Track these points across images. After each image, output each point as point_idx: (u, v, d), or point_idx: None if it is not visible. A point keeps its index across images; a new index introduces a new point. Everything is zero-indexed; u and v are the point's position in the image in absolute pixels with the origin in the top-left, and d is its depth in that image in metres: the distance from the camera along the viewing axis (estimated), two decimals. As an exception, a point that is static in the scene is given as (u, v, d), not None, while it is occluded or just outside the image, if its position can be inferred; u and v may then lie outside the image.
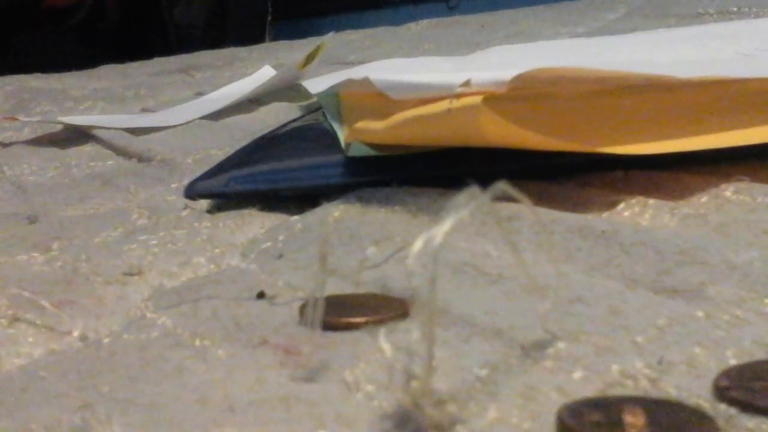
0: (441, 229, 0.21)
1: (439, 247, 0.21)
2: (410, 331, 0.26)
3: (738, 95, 0.38)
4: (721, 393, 0.22)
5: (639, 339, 0.25)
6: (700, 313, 0.26)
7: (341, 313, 0.28)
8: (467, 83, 0.35)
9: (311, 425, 0.22)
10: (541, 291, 0.25)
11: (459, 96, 0.35)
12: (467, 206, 0.21)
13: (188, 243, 0.38)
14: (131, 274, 0.35)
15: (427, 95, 0.38)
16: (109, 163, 0.56)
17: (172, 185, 0.48)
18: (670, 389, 0.22)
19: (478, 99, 0.34)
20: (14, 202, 0.48)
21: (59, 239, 0.40)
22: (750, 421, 0.21)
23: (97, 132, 0.64)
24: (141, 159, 0.55)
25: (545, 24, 0.96)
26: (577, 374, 0.23)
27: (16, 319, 0.31)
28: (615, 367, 0.23)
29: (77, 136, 0.65)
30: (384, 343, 0.22)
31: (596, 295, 0.28)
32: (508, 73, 0.35)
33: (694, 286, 0.28)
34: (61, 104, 0.80)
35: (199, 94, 0.78)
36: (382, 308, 0.29)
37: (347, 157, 0.42)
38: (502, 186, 0.22)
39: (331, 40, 0.77)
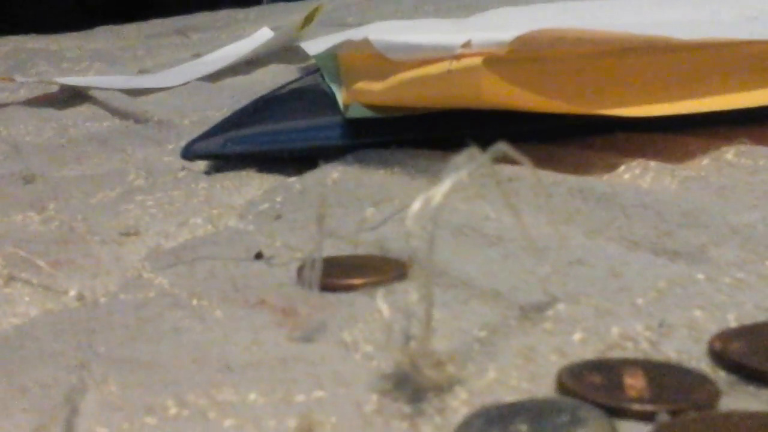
0: (439, 190, 0.21)
1: (437, 207, 0.21)
2: (408, 292, 0.26)
3: (740, 57, 0.37)
4: (718, 354, 0.22)
5: (639, 301, 0.25)
6: (701, 276, 0.26)
7: (339, 275, 0.28)
8: (467, 44, 0.35)
9: (309, 385, 0.22)
10: (541, 253, 0.25)
11: (459, 57, 0.35)
12: (466, 167, 0.21)
13: (185, 204, 0.38)
14: (128, 235, 0.35)
15: (427, 56, 0.37)
16: (106, 124, 0.56)
17: (169, 146, 0.48)
18: (671, 352, 0.22)
19: (478, 60, 0.34)
20: (10, 162, 0.48)
21: (55, 199, 0.40)
22: (751, 385, 0.21)
23: (93, 93, 0.63)
24: (138, 120, 0.55)
25: (545, -13, 0.95)
26: (577, 336, 0.23)
27: (11, 279, 0.31)
28: (615, 330, 0.23)
29: (74, 96, 0.64)
30: (382, 303, 0.21)
31: (596, 257, 0.28)
32: (508, 35, 0.34)
33: (695, 248, 0.27)
34: (58, 65, 0.79)
35: (197, 55, 0.77)
36: (381, 270, 0.29)
37: (346, 118, 0.42)
38: (502, 147, 0.22)
39: (329, 2, 0.77)
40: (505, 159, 0.22)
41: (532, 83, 0.36)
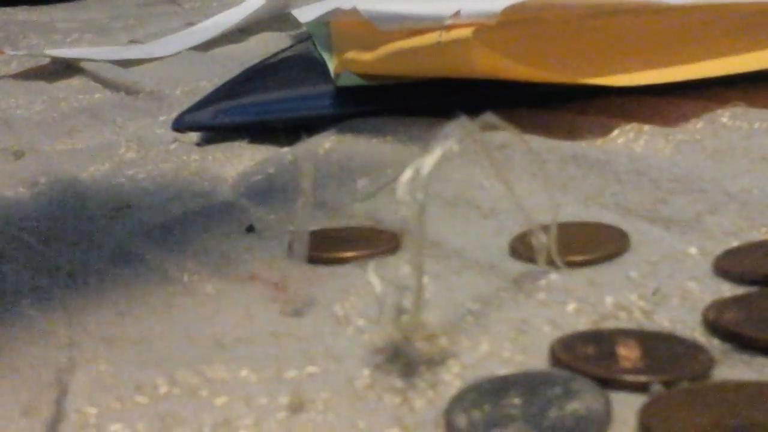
0: (429, 160, 0.20)
1: (427, 176, 0.20)
2: (401, 264, 0.26)
3: (732, 20, 0.37)
4: (712, 324, 0.21)
5: (633, 273, 0.24)
6: (695, 249, 0.25)
7: (331, 247, 0.28)
8: (457, 15, 0.34)
9: (301, 361, 0.22)
10: (533, 224, 0.25)
11: (449, 28, 0.35)
12: (455, 136, 0.21)
13: (177, 176, 0.38)
14: (119, 209, 0.34)
15: (416, 27, 0.37)
16: (97, 96, 0.55)
17: (161, 118, 0.47)
18: (665, 321, 0.22)
19: (468, 31, 0.34)
20: (0, 137, 0.48)
21: (46, 174, 0.39)
22: (745, 353, 0.20)
23: (84, 65, 0.63)
24: (129, 91, 0.54)
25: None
26: (571, 307, 0.23)
27: (1, 256, 0.31)
28: (609, 300, 0.23)
29: (65, 69, 0.64)
30: (373, 276, 0.21)
31: (590, 225, 0.27)
32: (498, 4, 0.34)
33: (690, 216, 0.27)
34: (48, 37, 0.79)
35: (189, 24, 0.77)
36: (373, 242, 0.28)
37: (337, 87, 0.41)
38: (489, 117, 0.22)
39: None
40: (497, 126, 0.22)
41: (522, 53, 0.35)
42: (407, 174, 0.20)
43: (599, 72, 0.35)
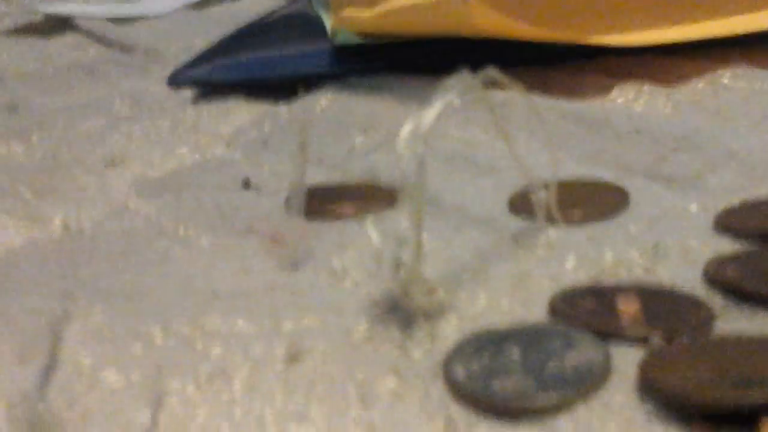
0: (430, 112, 0.20)
1: (428, 128, 0.20)
2: (399, 219, 0.26)
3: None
4: (712, 279, 0.21)
5: (632, 228, 0.24)
6: (695, 206, 0.25)
7: (328, 202, 0.28)
8: None
9: (297, 312, 0.22)
10: (533, 180, 0.24)
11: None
12: (457, 89, 0.21)
13: (172, 132, 0.37)
14: (113, 164, 0.34)
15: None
16: (91, 52, 0.55)
17: (155, 75, 0.47)
18: (665, 277, 0.22)
19: None
20: (-6, 92, 0.47)
21: (39, 129, 0.39)
22: (744, 307, 0.20)
23: (78, 21, 0.62)
24: (123, 48, 0.54)
25: None
26: (570, 262, 0.23)
27: (-5, 209, 0.30)
28: (608, 255, 0.23)
29: (58, 25, 0.63)
30: (372, 230, 0.21)
31: (589, 182, 0.27)
32: None
33: (691, 174, 0.27)
34: (42, -6, 0.78)
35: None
36: (370, 197, 0.28)
37: (334, 45, 0.41)
38: (492, 72, 0.21)
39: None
40: (496, 84, 0.22)
41: (521, 12, 0.35)
42: (407, 127, 0.20)
43: (599, 31, 0.35)
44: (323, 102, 0.37)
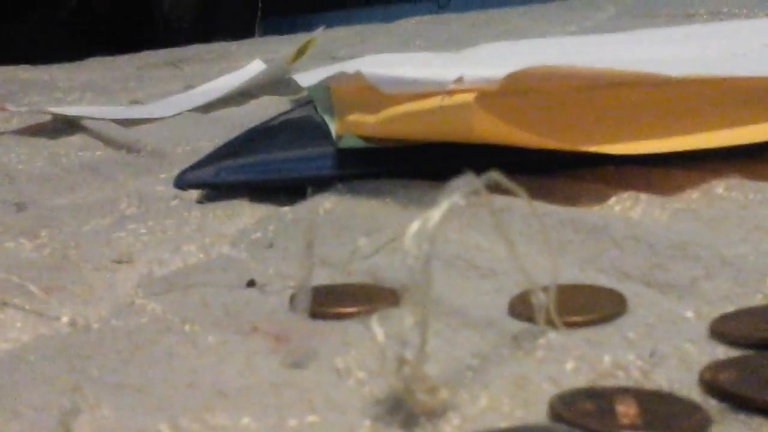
0: (437, 212, 0.21)
1: (435, 227, 0.21)
2: (402, 319, 0.26)
3: (729, 94, 0.38)
4: (708, 384, 0.22)
5: (631, 334, 0.25)
6: (691, 313, 0.26)
7: (332, 303, 0.28)
8: (459, 80, 0.35)
9: (302, 410, 0.22)
10: (534, 284, 0.25)
11: (451, 93, 0.35)
12: (462, 191, 0.21)
13: (178, 232, 0.38)
14: (120, 262, 0.35)
15: (419, 91, 0.38)
16: (98, 153, 0.56)
17: (162, 176, 0.48)
18: (662, 381, 0.22)
19: (469, 97, 0.34)
20: (2, 190, 0.48)
21: (48, 227, 0.40)
22: (741, 413, 0.21)
23: (86, 122, 0.63)
24: (130, 149, 0.55)
25: (536, 23, 0.96)
26: (569, 365, 0.23)
27: (4, 304, 0.31)
28: (607, 359, 0.23)
29: (66, 126, 0.64)
30: (376, 327, 0.22)
31: (588, 287, 0.28)
32: (500, 71, 0.35)
33: (686, 281, 0.28)
34: (50, 95, 0.79)
35: (189, 87, 0.77)
36: (374, 298, 0.29)
37: (338, 149, 0.42)
38: (495, 175, 0.22)
39: (321, 35, 0.77)
40: (497, 189, 0.23)
41: (522, 120, 0.36)
42: (414, 226, 0.21)
43: (597, 140, 0.36)
44: (327, 204, 0.38)
